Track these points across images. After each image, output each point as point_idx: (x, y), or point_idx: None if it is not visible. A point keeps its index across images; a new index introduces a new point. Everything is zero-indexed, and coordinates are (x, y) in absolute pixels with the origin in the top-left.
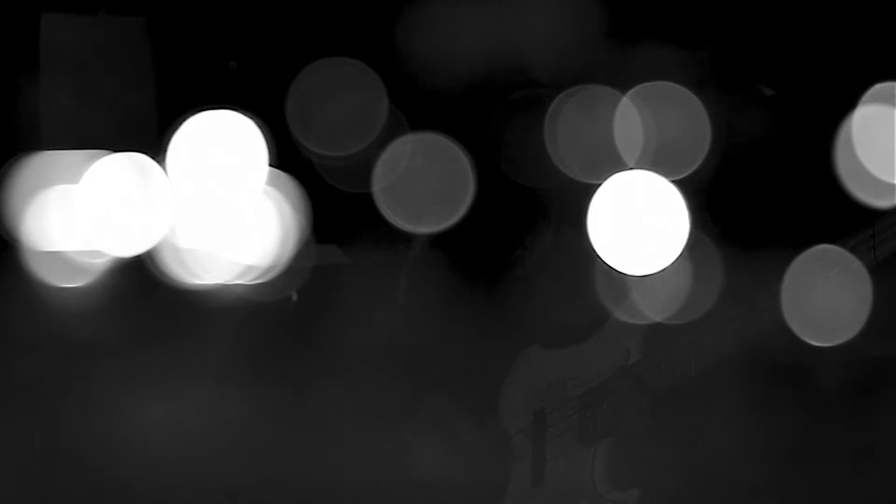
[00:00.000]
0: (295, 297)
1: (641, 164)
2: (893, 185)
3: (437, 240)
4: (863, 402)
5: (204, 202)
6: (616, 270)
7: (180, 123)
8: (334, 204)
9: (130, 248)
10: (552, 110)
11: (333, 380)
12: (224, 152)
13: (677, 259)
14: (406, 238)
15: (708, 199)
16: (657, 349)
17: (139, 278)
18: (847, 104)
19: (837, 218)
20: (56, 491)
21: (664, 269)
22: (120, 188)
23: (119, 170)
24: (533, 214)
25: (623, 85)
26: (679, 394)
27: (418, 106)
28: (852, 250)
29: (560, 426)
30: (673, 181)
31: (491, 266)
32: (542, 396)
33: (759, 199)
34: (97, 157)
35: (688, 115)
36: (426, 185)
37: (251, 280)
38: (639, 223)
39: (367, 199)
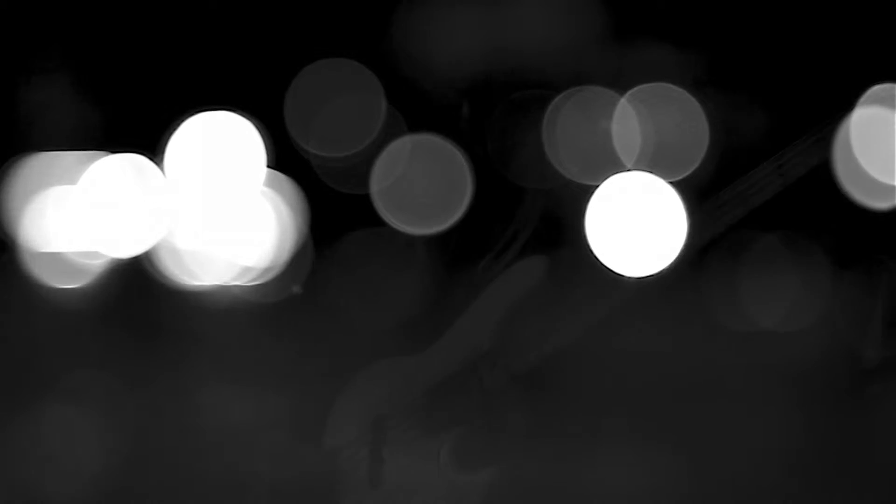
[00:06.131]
0: (298, 290)
1: (639, 166)
2: (892, 186)
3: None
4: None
5: (202, 203)
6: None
7: (178, 124)
8: (332, 205)
9: (128, 249)
10: (550, 111)
11: (332, 382)
12: (222, 153)
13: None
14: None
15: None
16: (512, 340)
17: (137, 279)
18: (846, 105)
19: (836, 217)
20: (53, 493)
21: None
22: (118, 189)
23: (117, 171)
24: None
25: (621, 86)
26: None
27: (416, 107)
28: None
29: (402, 426)
30: (671, 182)
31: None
32: (381, 405)
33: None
34: (95, 158)
35: (686, 116)
36: (424, 186)
37: (249, 281)
38: (636, 225)
39: (365, 200)
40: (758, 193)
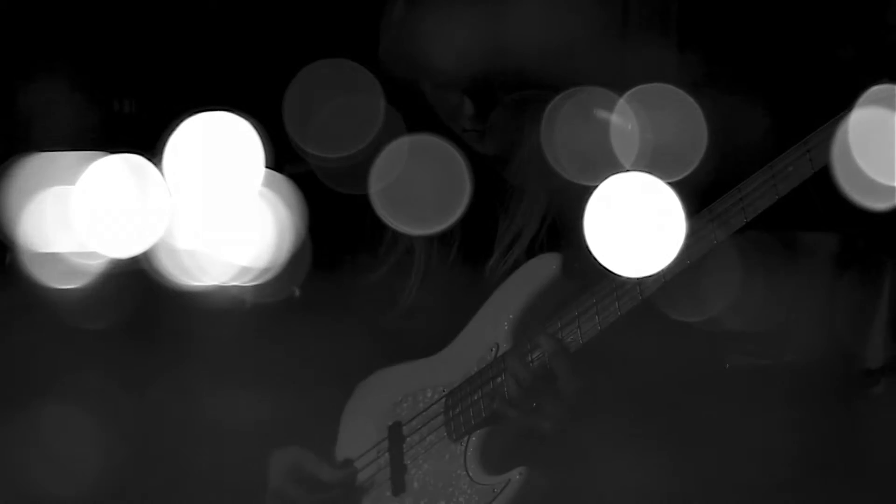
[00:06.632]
0: (297, 292)
1: (638, 166)
2: (891, 187)
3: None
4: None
5: (201, 203)
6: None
7: (177, 124)
8: (331, 206)
9: (127, 250)
10: (549, 112)
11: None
12: (221, 153)
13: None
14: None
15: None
16: (526, 338)
17: (135, 280)
18: (844, 106)
19: (833, 218)
20: (53, 493)
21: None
22: (117, 189)
23: (116, 171)
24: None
25: (620, 86)
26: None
27: (415, 107)
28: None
29: (421, 431)
30: (669, 183)
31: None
32: (395, 412)
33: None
34: (94, 158)
35: (685, 117)
36: (423, 186)
37: (248, 281)
38: (635, 225)
39: (364, 201)
40: (786, 180)
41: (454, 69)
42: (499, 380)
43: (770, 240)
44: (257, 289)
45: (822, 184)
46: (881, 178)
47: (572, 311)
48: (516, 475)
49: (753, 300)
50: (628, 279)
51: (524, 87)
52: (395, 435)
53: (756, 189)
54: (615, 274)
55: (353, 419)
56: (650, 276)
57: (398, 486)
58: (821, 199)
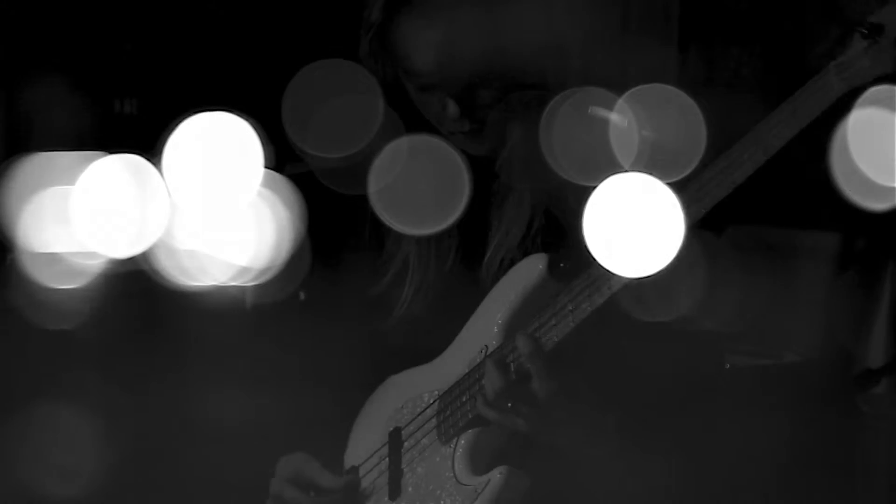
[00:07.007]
0: (303, 295)
1: (637, 167)
2: (891, 187)
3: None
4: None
5: (200, 204)
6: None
7: (177, 124)
8: (330, 206)
9: (126, 250)
10: (548, 112)
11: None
12: (220, 154)
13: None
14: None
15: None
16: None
17: (135, 280)
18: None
19: (832, 217)
20: (53, 493)
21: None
22: (117, 189)
23: (115, 171)
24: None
25: (620, 86)
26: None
27: (414, 107)
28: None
29: (416, 435)
30: (668, 184)
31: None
32: (396, 417)
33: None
34: (94, 159)
35: (684, 116)
36: (422, 186)
37: (247, 281)
38: (634, 225)
39: (363, 201)
40: (741, 168)
41: (434, 72)
42: (484, 381)
43: (750, 240)
44: (257, 289)
45: (822, 184)
46: (881, 179)
47: (549, 311)
48: (497, 475)
49: (728, 300)
50: (600, 275)
51: (510, 89)
52: (395, 440)
53: (713, 178)
54: (608, 273)
55: (361, 426)
56: (637, 277)
57: (395, 491)
58: (821, 199)
